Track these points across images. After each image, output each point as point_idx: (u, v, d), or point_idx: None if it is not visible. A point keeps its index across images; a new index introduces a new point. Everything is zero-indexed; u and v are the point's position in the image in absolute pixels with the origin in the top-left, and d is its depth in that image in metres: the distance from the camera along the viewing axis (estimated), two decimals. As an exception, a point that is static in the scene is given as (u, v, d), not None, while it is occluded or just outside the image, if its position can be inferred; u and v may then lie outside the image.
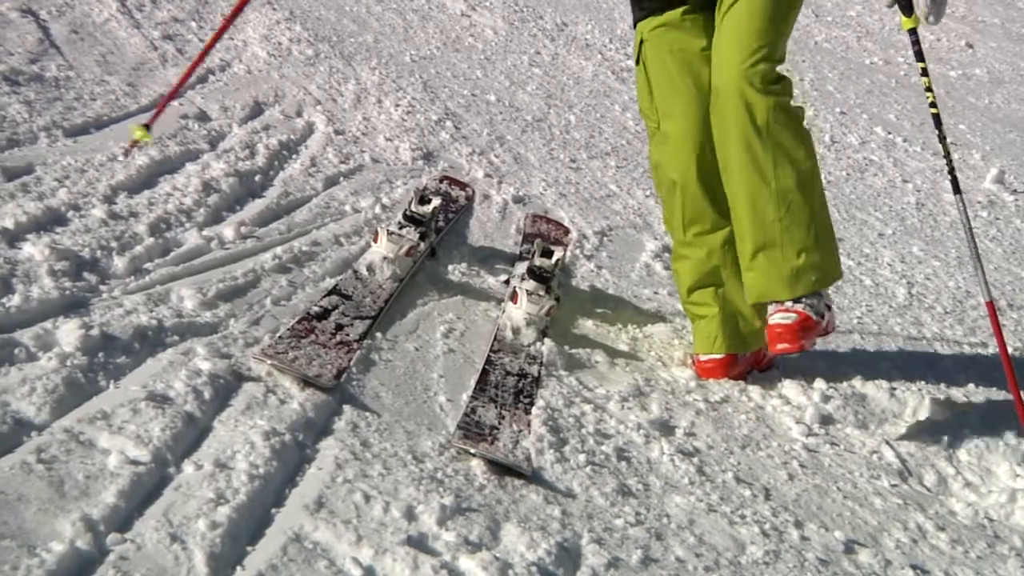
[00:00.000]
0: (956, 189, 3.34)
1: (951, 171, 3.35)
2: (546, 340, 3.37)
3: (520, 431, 2.81)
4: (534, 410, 2.97)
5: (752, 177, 3.25)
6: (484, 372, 3.09)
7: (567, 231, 4.58)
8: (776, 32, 3.26)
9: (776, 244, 3.26)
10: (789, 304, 3.26)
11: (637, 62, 3.51)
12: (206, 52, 4.18)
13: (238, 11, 4.06)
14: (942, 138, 3.41)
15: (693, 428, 3.14)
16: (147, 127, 4.04)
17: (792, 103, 3.29)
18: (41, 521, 1.99)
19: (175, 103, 4.86)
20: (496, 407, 2.91)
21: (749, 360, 3.60)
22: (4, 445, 2.19)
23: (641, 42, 3.47)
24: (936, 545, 2.79)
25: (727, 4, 3.27)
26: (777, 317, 3.26)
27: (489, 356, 3.19)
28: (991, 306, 3.16)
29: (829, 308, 3.38)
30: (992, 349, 4.49)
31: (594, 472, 2.72)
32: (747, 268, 3.35)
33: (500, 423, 2.82)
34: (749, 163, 3.24)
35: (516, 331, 3.37)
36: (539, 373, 3.19)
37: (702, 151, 3.38)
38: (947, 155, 3.37)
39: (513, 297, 3.44)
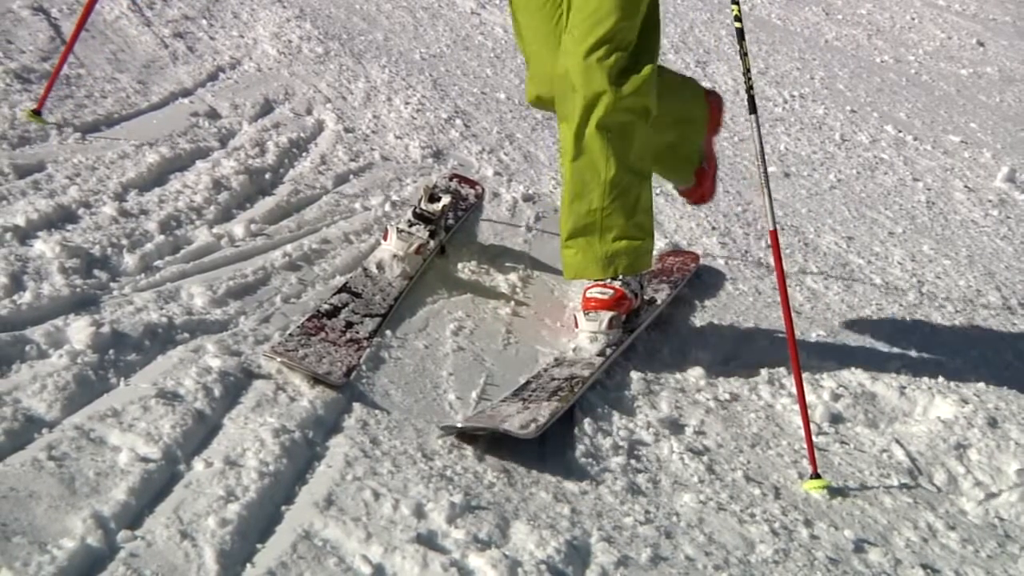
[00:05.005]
0: (752, 109, 3.28)
1: (749, 89, 3.30)
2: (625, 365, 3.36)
3: (535, 417, 2.78)
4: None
5: (584, 166, 3.31)
6: (527, 383, 3.09)
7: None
8: (625, 16, 3.26)
9: (596, 230, 3.35)
10: (608, 280, 3.40)
11: None
12: (80, 27, 4.23)
13: None
14: (746, 70, 3.35)
15: (703, 426, 3.14)
16: (37, 112, 4.07)
17: (638, 96, 3.29)
18: (52, 518, 2.00)
19: (185, 100, 4.87)
20: (522, 402, 2.91)
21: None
22: (15, 442, 2.20)
23: None
24: (946, 544, 2.79)
25: None
26: (595, 291, 3.40)
27: (539, 372, 3.20)
28: (774, 235, 3.19)
29: (643, 287, 3.51)
30: (1003, 343, 4.48)
31: (603, 470, 2.72)
32: (565, 245, 3.43)
33: (517, 413, 2.81)
34: (584, 152, 3.30)
35: (578, 349, 3.35)
36: (589, 375, 3.15)
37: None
38: (747, 72, 3.32)
39: (574, 322, 3.42)
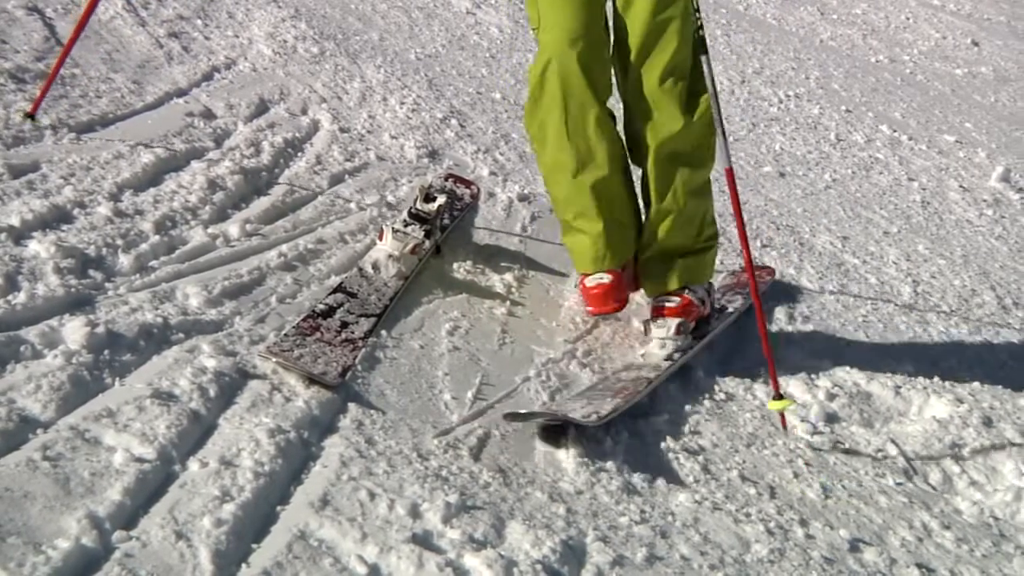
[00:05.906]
0: (704, 51, 3.22)
1: (699, 30, 3.19)
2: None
3: (597, 409, 2.83)
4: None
5: (665, 199, 3.39)
6: (594, 384, 3.16)
7: None
8: (683, 41, 3.28)
9: (671, 251, 3.46)
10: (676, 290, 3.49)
11: None
12: (80, 30, 4.16)
13: None
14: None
15: (698, 426, 3.14)
16: (31, 115, 4.06)
17: (705, 116, 3.32)
18: (47, 518, 1.99)
19: (180, 100, 4.86)
20: (587, 400, 2.96)
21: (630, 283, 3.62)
22: (10, 442, 2.19)
23: None
24: (941, 543, 2.79)
25: None
26: (662, 299, 3.48)
27: (607, 375, 3.27)
28: (730, 172, 3.25)
29: (710, 294, 3.59)
30: (998, 342, 4.49)
31: (599, 470, 2.72)
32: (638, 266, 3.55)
33: (581, 407, 2.86)
34: (663, 179, 3.37)
35: (647, 355, 3.41)
36: (655, 377, 3.21)
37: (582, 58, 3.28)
38: (696, 11, 3.21)
39: (645, 330, 3.49)
